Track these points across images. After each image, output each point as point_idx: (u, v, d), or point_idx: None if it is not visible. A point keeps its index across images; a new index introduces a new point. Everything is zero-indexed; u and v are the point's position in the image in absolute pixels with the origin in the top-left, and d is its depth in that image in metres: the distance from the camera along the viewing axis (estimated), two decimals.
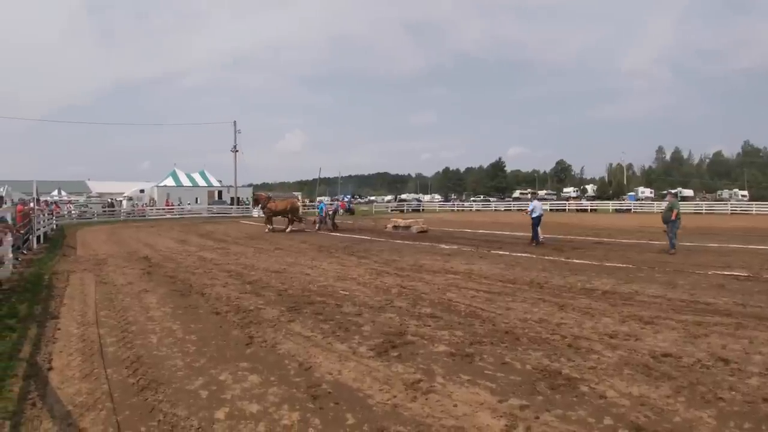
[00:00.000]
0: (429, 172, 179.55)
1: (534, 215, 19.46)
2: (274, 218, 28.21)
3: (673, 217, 15.93)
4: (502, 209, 64.18)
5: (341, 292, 9.66)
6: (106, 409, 4.40)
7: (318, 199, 47.20)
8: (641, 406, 4.28)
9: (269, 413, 4.28)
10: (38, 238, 21.43)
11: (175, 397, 4.67)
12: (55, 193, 62.13)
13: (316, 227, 28.68)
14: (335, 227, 28.78)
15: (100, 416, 4.27)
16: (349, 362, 5.58)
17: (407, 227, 26.82)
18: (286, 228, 27.25)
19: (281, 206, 28.28)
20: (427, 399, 4.51)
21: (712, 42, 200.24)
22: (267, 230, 26.92)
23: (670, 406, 4.29)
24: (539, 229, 19.61)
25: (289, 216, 28.00)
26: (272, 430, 3.97)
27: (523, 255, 15.34)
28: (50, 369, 5.50)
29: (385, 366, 5.43)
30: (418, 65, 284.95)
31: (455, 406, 4.36)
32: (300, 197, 69.04)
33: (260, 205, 29.00)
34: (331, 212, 30.29)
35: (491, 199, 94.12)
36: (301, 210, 30.04)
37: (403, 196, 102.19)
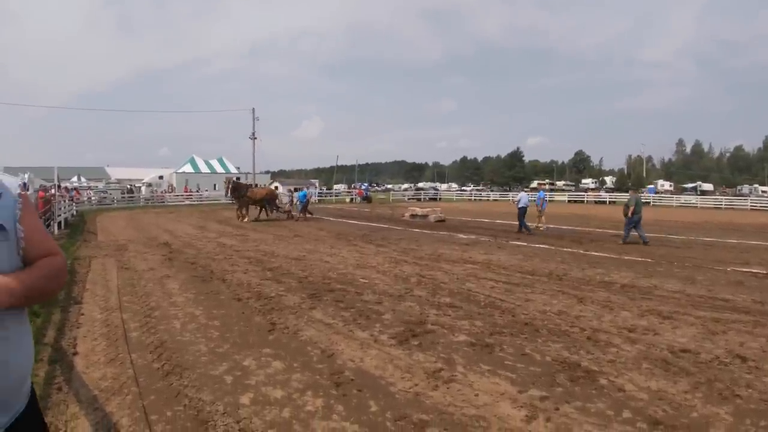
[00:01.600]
0: (446, 161, 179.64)
1: (520, 205, 20.43)
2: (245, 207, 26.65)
3: (630, 214, 16.47)
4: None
5: (361, 280, 9.75)
6: (132, 394, 4.49)
7: (295, 186, 45.79)
8: (659, 401, 4.31)
9: (293, 399, 4.37)
10: (59, 223, 21.73)
11: (199, 382, 4.75)
12: (75, 179, 62.79)
13: (294, 216, 27.60)
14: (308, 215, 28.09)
15: (126, 401, 4.36)
16: (370, 350, 5.66)
17: (425, 216, 26.82)
18: (259, 215, 26.77)
19: (260, 194, 27.48)
20: (448, 388, 4.58)
21: (735, 34, 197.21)
22: (245, 220, 25.56)
23: (687, 401, 4.32)
24: (544, 217, 21.91)
25: (267, 205, 27.29)
26: (297, 416, 4.05)
27: (542, 246, 15.31)
28: (75, 354, 5.60)
29: (406, 354, 5.50)
30: (437, 53, 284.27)
31: (476, 395, 4.42)
32: (318, 185, 69.37)
33: (239, 194, 26.55)
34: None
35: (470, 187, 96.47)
36: (279, 198, 29.03)
37: (420, 185, 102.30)
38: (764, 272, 10.92)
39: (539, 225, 21.81)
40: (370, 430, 3.89)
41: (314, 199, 32.71)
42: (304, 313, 7.23)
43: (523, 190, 24.82)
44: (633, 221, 16.41)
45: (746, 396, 4.43)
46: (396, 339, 6.03)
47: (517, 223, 20.45)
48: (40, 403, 4.29)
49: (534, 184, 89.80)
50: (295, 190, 30.95)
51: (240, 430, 3.86)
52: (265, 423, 3.96)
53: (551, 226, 22.07)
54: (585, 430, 3.84)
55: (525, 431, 3.86)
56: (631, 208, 16.43)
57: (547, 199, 24.86)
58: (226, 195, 29.83)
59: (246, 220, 25.58)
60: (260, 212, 27.15)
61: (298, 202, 28.30)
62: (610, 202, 57.07)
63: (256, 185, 38.18)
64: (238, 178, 34.54)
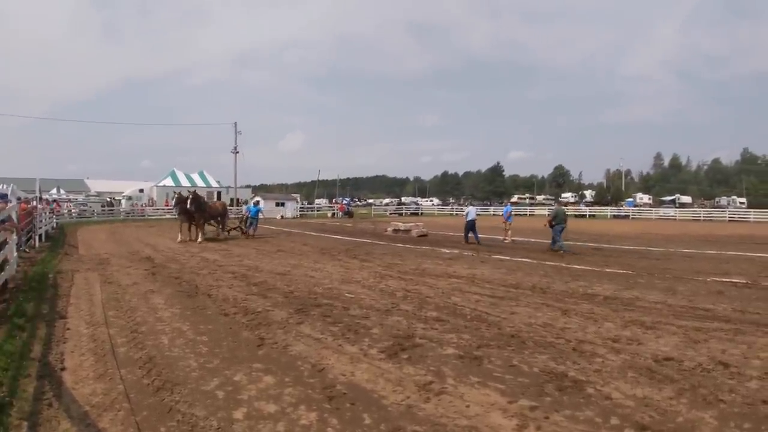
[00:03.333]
0: (428, 176, 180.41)
1: (468, 219, 22.11)
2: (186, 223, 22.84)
3: (547, 223, 18.35)
4: (500, 213, 64.28)
5: (347, 294, 9.77)
6: (123, 410, 4.46)
7: (255, 200, 42.29)
8: (645, 407, 4.42)
9: (287, 413, 4.37)
10: (40, 236, 21.43)
11: (191, 397, 4.74)
12: (54, 191, 62.06)
13: (248, 232, 25.28)
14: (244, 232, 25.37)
15: (118, 417, 4.32)
16: (361, 364, 5.69)
17: (407, 231, 26.89)
18: (200, 235, 22.41)
19: (216, 210, 24.41)
20: (440, 400, 4.63)
21: (714, 48, 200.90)
22: (199, 241, 21.86)
23: (673, 407, 4.43)
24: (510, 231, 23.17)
25: (218, 220, 24.41)
26: (291, 430, 4.07)
27: (524, 260, 15.46)
28: (63, 369, 5.54)
29: (396, 368, 5.54)
30: (421, 67, 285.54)
31: (467, 406, 4.48)
32: (299, 199, 69.16)
33: (195, 207, 22.09)
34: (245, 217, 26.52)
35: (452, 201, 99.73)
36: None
37: (403, 199, 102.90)
38: (744, 282, 11.16)
39: (506, 238, 22.66)
40: None
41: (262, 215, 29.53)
42: (292, 328, 7.24)
43: (471, 204, 25.70)
44: (557, 230, 17.83)
45: (729, 400, 4.57)
46: (385, 353, 6.07)
47: (464, 235, 22.08)
48: (30, 419, 4.30)
49: (514, 198, 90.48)
50: (278, 204, 30.15)
51: None
52: None
53: (532, 240, 22.32)
54: None
55: None
56: (549, 218, 18.37)
57: (513, 213, 26.51)
58: (173, 207, 24.95)
59: (200, 240, 22.02)
60: (197, 229, 22.81)
61: (246, 215, 26.35)
62: (590, 215, 57.77)
63: (238, 200, 37.63)
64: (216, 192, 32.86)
